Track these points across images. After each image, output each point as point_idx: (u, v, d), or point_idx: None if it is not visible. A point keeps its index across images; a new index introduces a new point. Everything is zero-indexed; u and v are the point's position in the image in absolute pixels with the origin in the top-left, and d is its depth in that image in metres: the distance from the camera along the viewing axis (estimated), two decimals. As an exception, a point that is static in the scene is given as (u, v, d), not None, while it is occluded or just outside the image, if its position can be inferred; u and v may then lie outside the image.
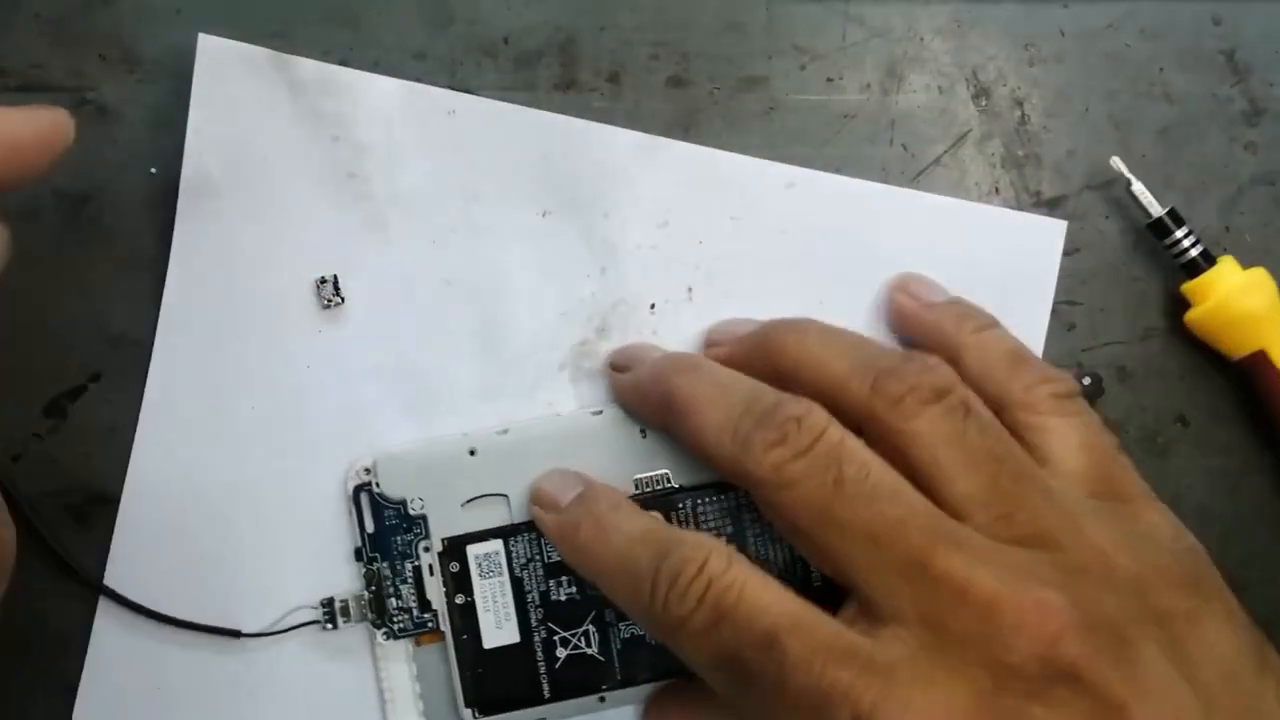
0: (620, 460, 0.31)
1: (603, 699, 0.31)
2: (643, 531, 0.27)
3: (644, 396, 0.30)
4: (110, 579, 0.32)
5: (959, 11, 0.34)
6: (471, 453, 0.31)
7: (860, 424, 0.27)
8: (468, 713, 0.31)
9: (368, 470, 0.31)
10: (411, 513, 0.31)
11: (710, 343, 0.32)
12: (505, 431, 0.31)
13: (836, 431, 0.26)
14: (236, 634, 0.31)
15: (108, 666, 0.32)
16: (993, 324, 0.31)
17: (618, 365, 0.32)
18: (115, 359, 0.33)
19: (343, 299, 0.32)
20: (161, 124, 0.33)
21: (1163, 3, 0.35)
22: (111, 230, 0.33)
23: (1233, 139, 0.35)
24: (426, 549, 0.31)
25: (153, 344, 0.32)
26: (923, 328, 0.31)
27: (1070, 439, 0.28)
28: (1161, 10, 0.35)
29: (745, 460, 0.26)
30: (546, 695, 0.31)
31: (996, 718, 0.22)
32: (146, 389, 0.32)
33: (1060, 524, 0.25)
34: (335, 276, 0.32)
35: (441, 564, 0.31)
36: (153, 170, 0.33)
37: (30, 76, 0.33)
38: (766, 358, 0.29)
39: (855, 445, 0.26)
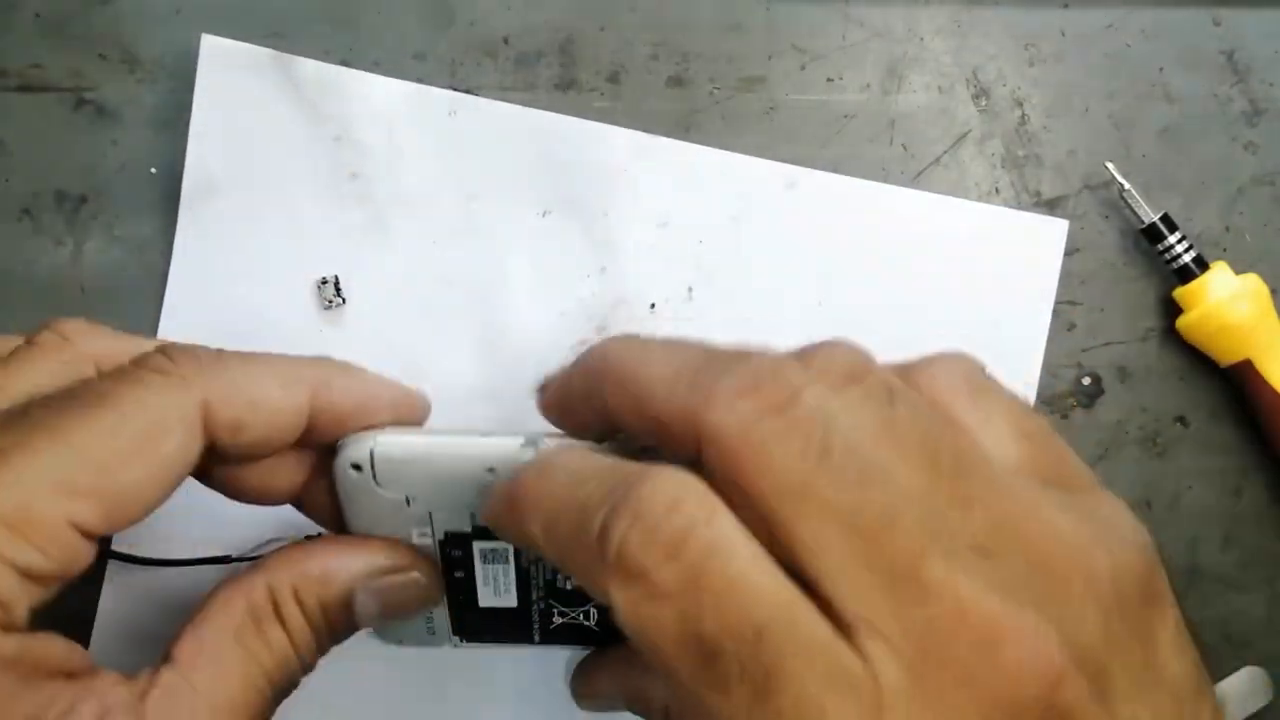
0: None
1: None
2: (601, 466, 0.21)
3: (573, 387, 0.25)
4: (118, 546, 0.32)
5: (959, 11, 0.34)
6: (490, 471, 0.25)
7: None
8: (455, 638, 0.29)
9: (356, 467, 0.25)
10: (413, 510, 0.26)
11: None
12: (530, 445, 0.25)
13: (818, 391, 0.20)
14: (227, 559, 0.32)
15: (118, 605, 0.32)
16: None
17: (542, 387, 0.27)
18: (115, 359, 0.33)
19: (344, 299, 0.32)
20: (161, 124, 0.33)
21: (1163, 3, 0.35)
22: (112, 230, 0.33)
23: (1233, 139, 0.35)
24: (423, 535, 0.27)
25: (153, 344, 0.32)
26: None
27: (1000, 427, 0.23)
28: (1161, 10, 0.34)
29: (706, 409, 0.20)
30: (536, 640, 0.29)
31: None
32: (147, 389, 0.32)
33: (1024, 517, 0.21)
34: (336, 277, 0.32)
35: (442, 551, 0.27)
36: (153, 170, 0.33)
37: (30, 76, 0.33)
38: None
39: (840, 408, 0.21)
